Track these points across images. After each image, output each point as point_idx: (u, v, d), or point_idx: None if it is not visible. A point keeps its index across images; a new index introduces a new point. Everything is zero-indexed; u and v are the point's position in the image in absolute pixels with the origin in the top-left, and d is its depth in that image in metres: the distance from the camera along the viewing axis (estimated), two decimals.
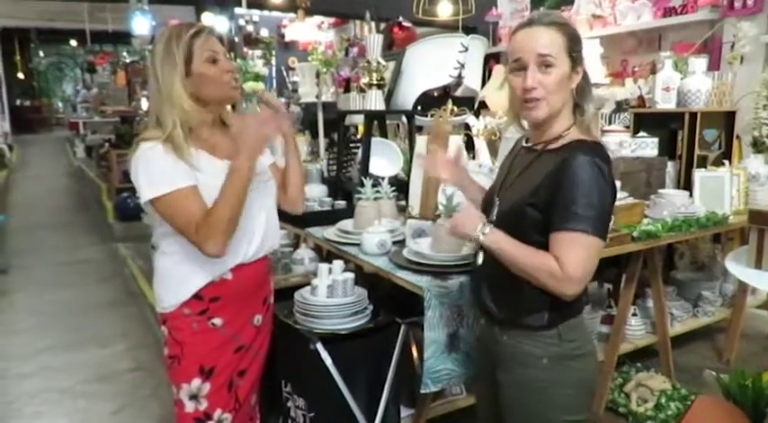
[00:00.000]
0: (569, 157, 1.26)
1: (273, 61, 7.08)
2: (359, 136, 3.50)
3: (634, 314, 2.78)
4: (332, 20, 9.78)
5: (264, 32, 7.40)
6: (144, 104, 7.53)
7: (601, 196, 1.23)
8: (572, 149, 1.27)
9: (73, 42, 17.02)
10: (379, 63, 2.52)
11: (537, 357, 1.33)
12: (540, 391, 1.34)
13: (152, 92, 1.52)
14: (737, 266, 1.86)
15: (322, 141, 4.18)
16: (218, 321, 1.60)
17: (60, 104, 19.52)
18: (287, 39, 7.98)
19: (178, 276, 1.56)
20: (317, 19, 8.55)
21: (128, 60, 11.72)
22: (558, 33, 1.29)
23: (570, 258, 1.23)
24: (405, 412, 2.07)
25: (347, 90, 4.71)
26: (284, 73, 7.44)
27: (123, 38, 12.10)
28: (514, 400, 1.39)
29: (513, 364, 1.38)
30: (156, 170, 1.45)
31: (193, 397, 1.60)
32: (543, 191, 1.28)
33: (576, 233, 1.23)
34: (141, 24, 6.36)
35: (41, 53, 19.06)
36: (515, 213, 1.33)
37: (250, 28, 7.19)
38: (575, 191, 1.23)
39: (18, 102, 16.80)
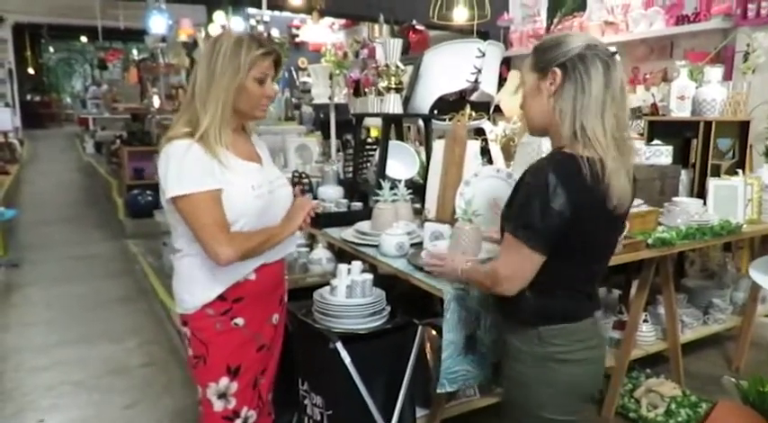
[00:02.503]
0: (532, 165, 1.35)
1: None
2: (371, 138, 3.53)
3: (645, 320, 2.79)
4: (342, 21, 9.82)
5: (275, 33, 7.44)
6: (156, 102, 7.56)
7: (540, 207, 1.27)
8: (541, 159, 1.36)
9: (83, 38, 17.10)
10: (397, 67, 2.55)
11: (522, 353, 1.43)
12: (523, 385, 1.44)
13: (200, 85, 1.52)
14: (762, 276, 1.87)
15: (333, 142, 4.21)
16: (240, 321, 1.63)
17: (69, 100, 19.61)
18: (300, 40, 8.00)
19: (203, 278, 1.57)
20: (328, 20, 8.58)
21: (138, 58, 11.78)
22: (531, 55, 1.42)
23: (501, 256, 1.38)
24: (420, 412, 2.09)
25: (356, 91, 4.74)
26: (294, 73, 7.49)
27: (134, 35, 12.18)
28: (505, 391, 1.53)
29: (508, 358, 1.49)
30: (186, 168, 1.47)
31: (222, 396, 1.63)
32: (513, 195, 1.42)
33: (509, 235, 1.35)
34: (158, 23, 6.41)
35: (51, 49, 19.15)
36: (502, 217, 1.47)
37: (261, 28, 7.23)
38: (519, 197, 1.34)
39: (28, 97, 16.88)
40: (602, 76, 1.30)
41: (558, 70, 1.33)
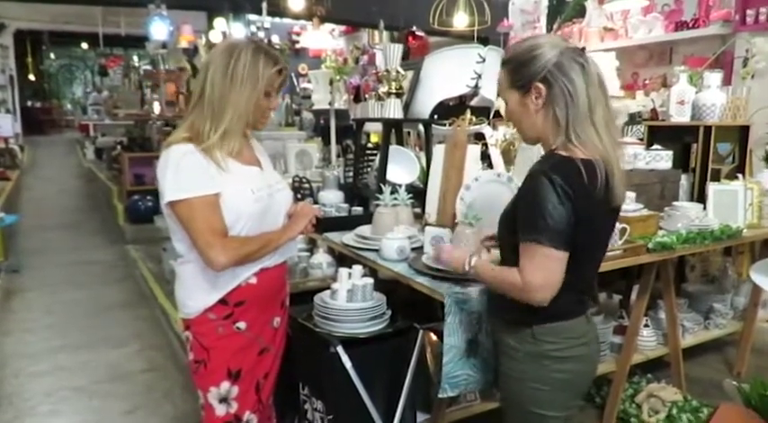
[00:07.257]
0: (530, 170, 1.36)
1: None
2: (372, 144, 3.54)
3: (646, 325, 2.79)
4: (343, 28, 9.85)
5: (275, 39, 7.48)
6: (156, 108, 7.57)
7: (553, 208, 1.28)
8: (537, 163, 1.37)
9: (84, 45, 17.16)
10: (398, 72, 2.56)
11: (515, 350, 1.45)
12: (516, 381, 1.47)
13: (217, 92, 1.52)
14: (764, 278, 1.87)
15: (334, 148, 4.22)
16: (242, 325, 1.63)
17: (70, 106, 19.65)
18: (300, 46, 8.06)
19: (204, 283, 1.58)
20: (328, 26, 8.62)
21: (137, 64, 11.80)
22: (504, 71, 1.42)
23: (526, 267, 1.33)
24: (420, 417, 2.08)
25: (357, 97, 4.75)
26: (294, 80, 7.51)
27: (134, 42, 12.22)
28: (501, 389, 1.56)
29: (501, 355, 1.52)
30: (183, 173, 1.48)
31: (223, 400, 1.63)
32: (515, 202, 1.43)
33: (530, 243, 1.31)
34: (159, 29, 6.43)
35: (52, 55, 19.19)
36: (501, 223, 1.49)
37: (261, 34, 7.28)
38: (528, 202, 1.33)
39: (29, 103, 16.91)
40: (581, 78, 1.32)
41: (540, 85, 1.34)
